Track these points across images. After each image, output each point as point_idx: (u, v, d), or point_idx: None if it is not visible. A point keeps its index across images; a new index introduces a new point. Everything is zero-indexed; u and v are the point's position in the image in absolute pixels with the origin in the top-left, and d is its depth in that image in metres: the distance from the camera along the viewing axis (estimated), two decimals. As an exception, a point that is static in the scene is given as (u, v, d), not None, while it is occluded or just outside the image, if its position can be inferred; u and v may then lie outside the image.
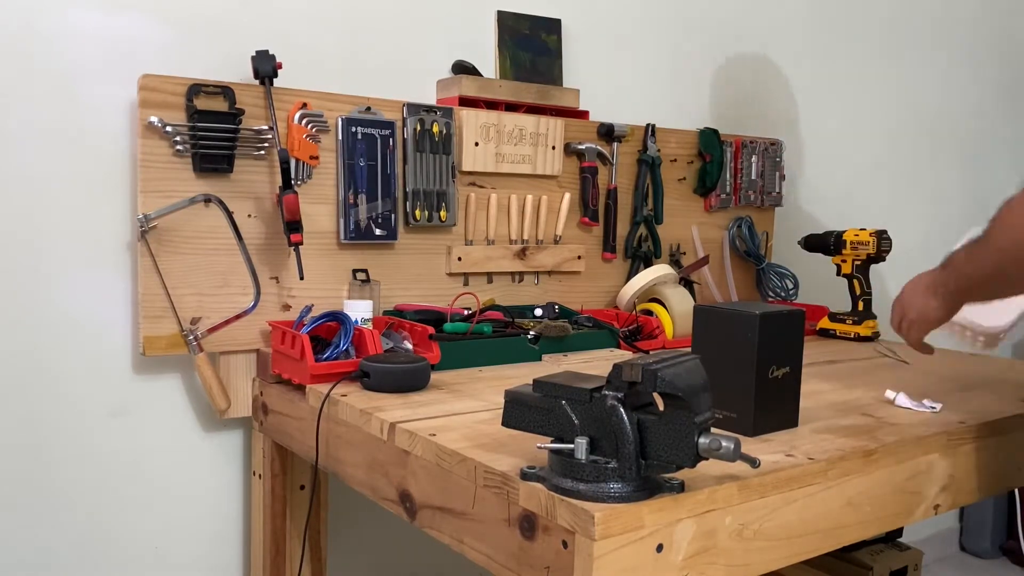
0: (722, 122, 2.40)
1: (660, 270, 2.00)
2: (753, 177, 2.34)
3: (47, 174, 1.55)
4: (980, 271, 1.17)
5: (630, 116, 2.24)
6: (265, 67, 1.62)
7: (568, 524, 0.92)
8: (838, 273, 2.17)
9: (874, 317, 2.10)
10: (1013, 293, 1.21)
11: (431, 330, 1.56)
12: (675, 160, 2.22)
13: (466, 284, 1.91)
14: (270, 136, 1.64)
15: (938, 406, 1.38)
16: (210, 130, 1.57)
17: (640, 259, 2.15)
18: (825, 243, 2.18)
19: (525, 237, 1.97)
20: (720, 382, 1.09)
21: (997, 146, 3.32)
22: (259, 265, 1.65)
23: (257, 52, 1.62)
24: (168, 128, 1.55)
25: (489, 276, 1.95)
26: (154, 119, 1.54)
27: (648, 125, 2.15)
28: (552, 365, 1.63)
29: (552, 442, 0.97)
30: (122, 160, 1.61)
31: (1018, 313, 1.58)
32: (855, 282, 2.13)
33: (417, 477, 1.18)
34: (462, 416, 1.26)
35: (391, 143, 1.76)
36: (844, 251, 2.14)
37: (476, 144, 1.87)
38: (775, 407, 1.22)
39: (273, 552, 1.70)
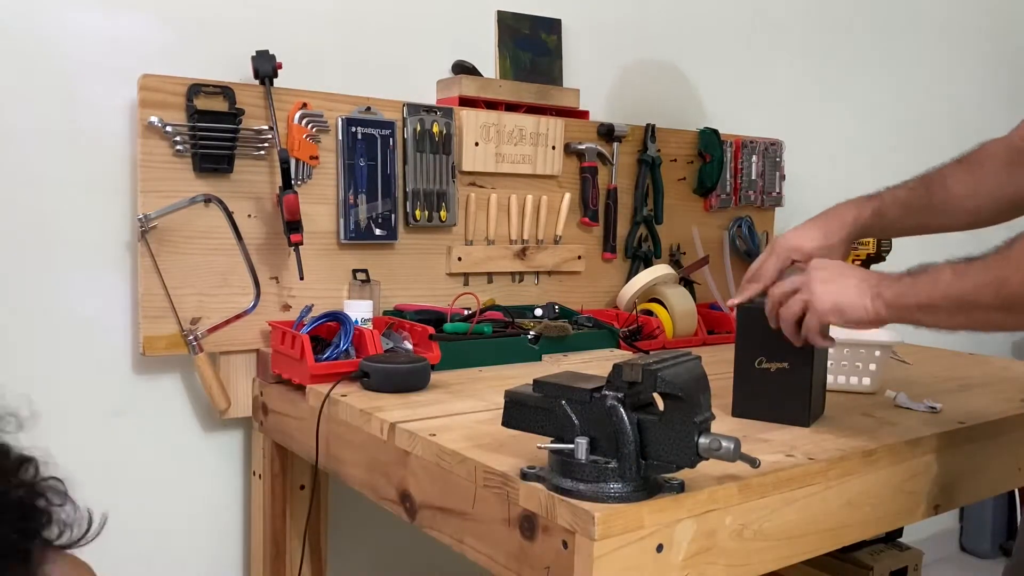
0: (721, 121, 2.40)
1: (660, 270, 2.00)
2: (753, 177, 2.34)
3: (47, 174, 1.55)
4: (964, 290, 1.02)
5: (630, 116, 2.24)
6: (265, 67, 1.62)
7: (568, 524, 0.92)
8: (838, 273, 2.16)
9: (874, 317, 2.09)
10: (967, 328, 1.05)
11: (431, 330, 1.56)
12: (675, 160, 2.22)
13: (466, 284, 1.91)
14: (270, 136, 1.64)
15: (938, 406, 1.38)
16: (210, 130, 1.57)
17: (640, 259, 2.15)
18: (825, 243, 2.17)
19: (525, 237, 1.97)
20: None
21: (997, 146, 3.31)
22: (259, 265, 1.64)
23: (257, 52, 1.62)
24: (168, 128, 1.55)
25: (489, 276, 1.95)
26: (154, 119, 1.54)
27: (648, 125, 2.15)
28: (552, 365, 1.63)
29: (552, 442, 0.97)
30: (122, 160, 1.60)
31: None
32: (855, 282, 2.13)
33: (417, 477, 1.18)
34: (462, 416, 1.26)
35: (391, 143, 1.76)
36: (844, 251, 2.13)
37: (476, 144, 1.86)
38: (764, 398, 1.27)
39: (273, 552, 1.70)
